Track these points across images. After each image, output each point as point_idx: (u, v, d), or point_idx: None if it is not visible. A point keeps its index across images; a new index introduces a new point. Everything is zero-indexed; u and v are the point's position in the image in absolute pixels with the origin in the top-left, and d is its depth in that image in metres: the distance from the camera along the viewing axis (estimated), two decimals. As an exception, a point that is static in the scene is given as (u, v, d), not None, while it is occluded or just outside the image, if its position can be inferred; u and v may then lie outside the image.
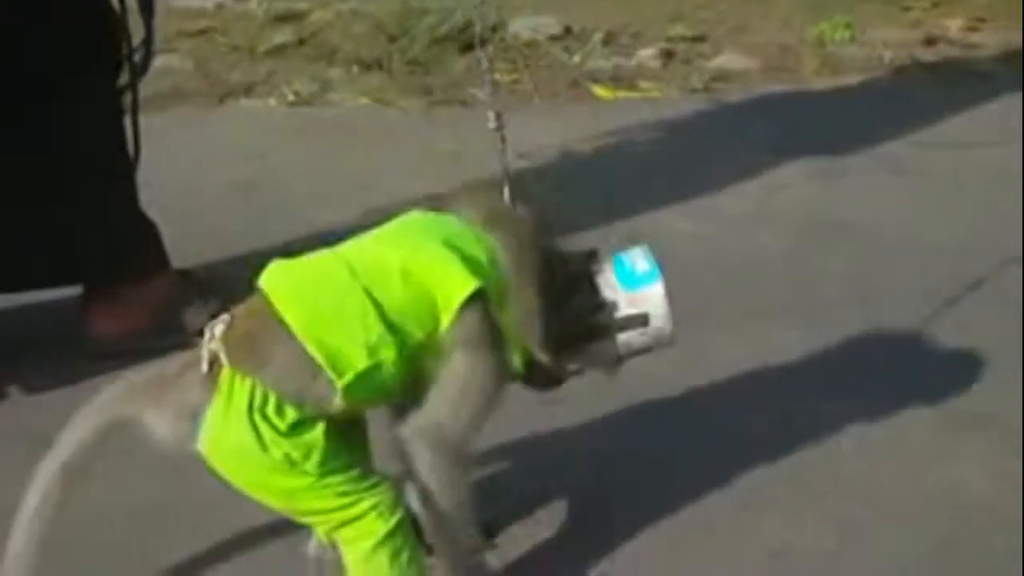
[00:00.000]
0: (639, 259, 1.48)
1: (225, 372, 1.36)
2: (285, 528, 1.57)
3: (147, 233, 2.15)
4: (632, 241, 1.54)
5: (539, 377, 1.49)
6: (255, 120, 3.25)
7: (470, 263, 1.38)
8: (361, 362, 1.36)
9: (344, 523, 1.39)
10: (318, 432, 1.36)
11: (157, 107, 2.26)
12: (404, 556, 1.41)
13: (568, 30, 4.07)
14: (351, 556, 1.41)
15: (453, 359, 1.38)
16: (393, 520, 1.40)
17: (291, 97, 3.41)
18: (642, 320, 1.46)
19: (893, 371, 2.05)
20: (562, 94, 3.55)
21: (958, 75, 3.83)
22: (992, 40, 4.25)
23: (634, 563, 1.63)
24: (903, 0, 4.57)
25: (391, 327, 1.36)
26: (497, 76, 3.54)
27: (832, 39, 4.10)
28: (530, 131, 3.00)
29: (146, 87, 2.22)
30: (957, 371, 2.04)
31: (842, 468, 1.81)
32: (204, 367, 1.37)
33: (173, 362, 1.41)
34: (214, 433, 1.35)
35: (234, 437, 1.35)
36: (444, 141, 3.05)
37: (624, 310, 1.46)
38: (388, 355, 1.36)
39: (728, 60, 3.89)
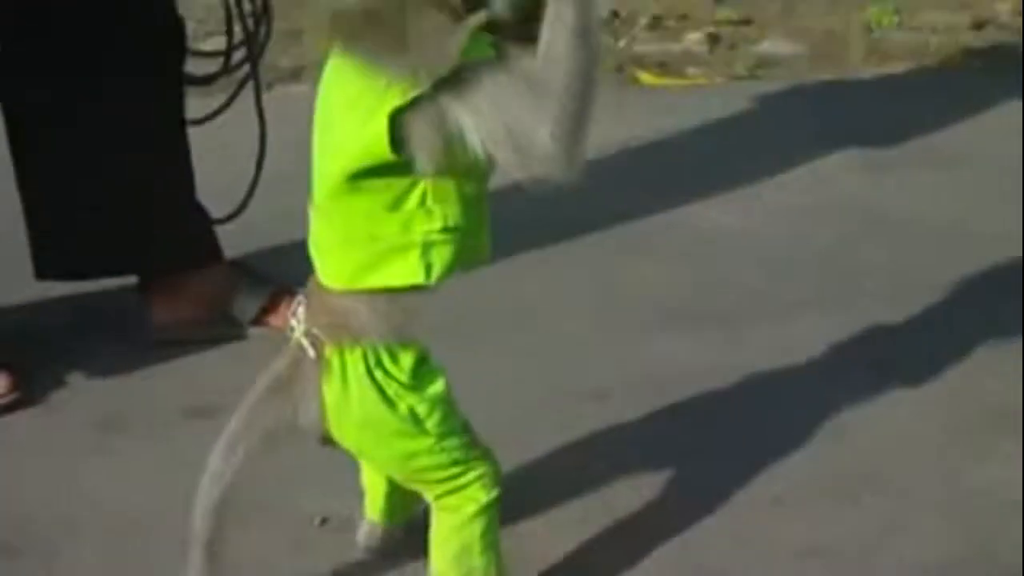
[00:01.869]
0: None
1: (330, 351, 1.40)
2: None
3: (203, 224, 2.20)
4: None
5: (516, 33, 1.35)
6: (301, 109, 3.28)
7: (364, 107, 1.32)
8: (413, 253, 1.37)
9: (451, 491, 1.46)
10: (439, 384, 1.42)
11: (205, 92, 2.30)
12: (493, 532, 1.48)
13: (615, 14, 4.08)
14: (449, 522, 1.48)
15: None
16: (493, 494, 1.47)
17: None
18: None
19: (934, 367, 2.07)
20: (607, 80, 3.57)
21: (1006, 61, 3.82)
22: (1043, 24, 4.23)
23: (662, 557, 1.66)
24: (952, -19, 4.56)
25: (396, 205, 1.35)
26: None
27: (879, 24, 4.09)
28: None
29: (198, 69, 2.26)
30: (998, 366, 2.06)
31: (879, 464, 1.84)
32: (311, 352, 1.41)
33: (278, 364, 1.45)
34: (337, 408, 1.41)
35: (358, 405, 1.40)
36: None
37: None
38: (421, 220, 1.36)
39: (774, 45, 3.88)
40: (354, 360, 1.40)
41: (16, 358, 2.03)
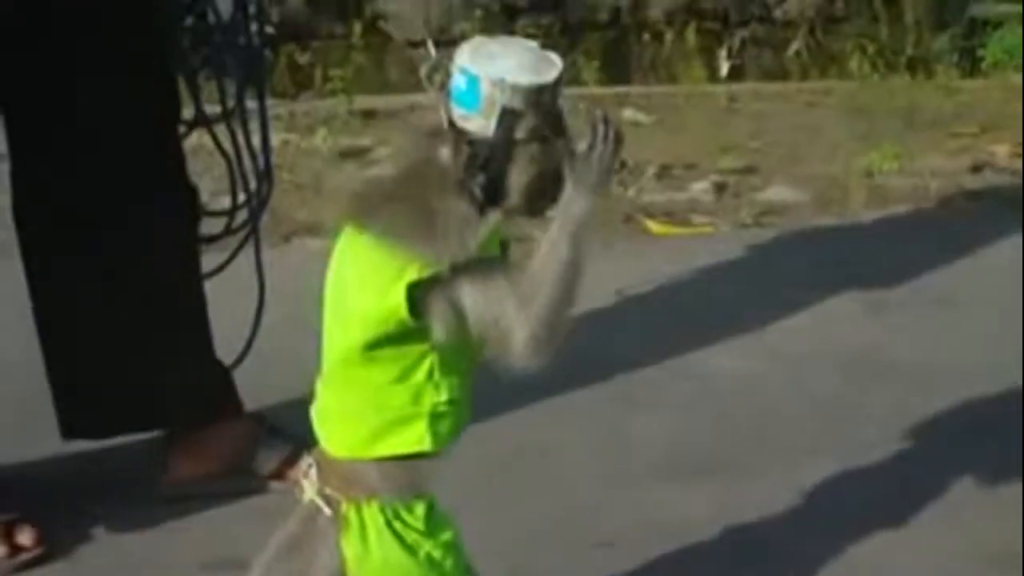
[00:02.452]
0: (457, 78, 1.40)
1: (347, 507, 1.47)
2: None
3: (223, 378, 2.27)
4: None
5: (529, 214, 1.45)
6: (319, 262, 3.39)
7: (381, 279, 1.40)
8: (421, 423, 1.45)
9: None
10: (450, 530, 1.49)
11: (222, 245, 2.40)
12: None
13: (623, 164, 4.20)
14: None
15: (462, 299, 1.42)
16: None
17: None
18: (512, 116, 1.39)
19: (935, 509, 2.11)
20: (618, 230, 3.67)
21: (1004, 203, 3.91)
22: (1041, 165, 4.33)
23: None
24: (951, 126, 4.68)
25: (405, 378, 1.44)
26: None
27: (880, 169, 4.20)
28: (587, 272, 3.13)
29: (214, 226, 2.36)
30: (999, 508, 2.10)
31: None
32: (327, 511, 1.48)
33: (291, 523, 1.52)
34: (358, 562, 1.47)
35: (379, 555, 1.46)
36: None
37: (492, 125, 1.39)
38: (430, 393, 1.45)
39: (777, 193, 4.00)
40: (372, 514, 1.47)
41: (42, 513, 2.08)
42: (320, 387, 1.53)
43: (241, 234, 2.39)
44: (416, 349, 1.44)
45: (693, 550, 2.01)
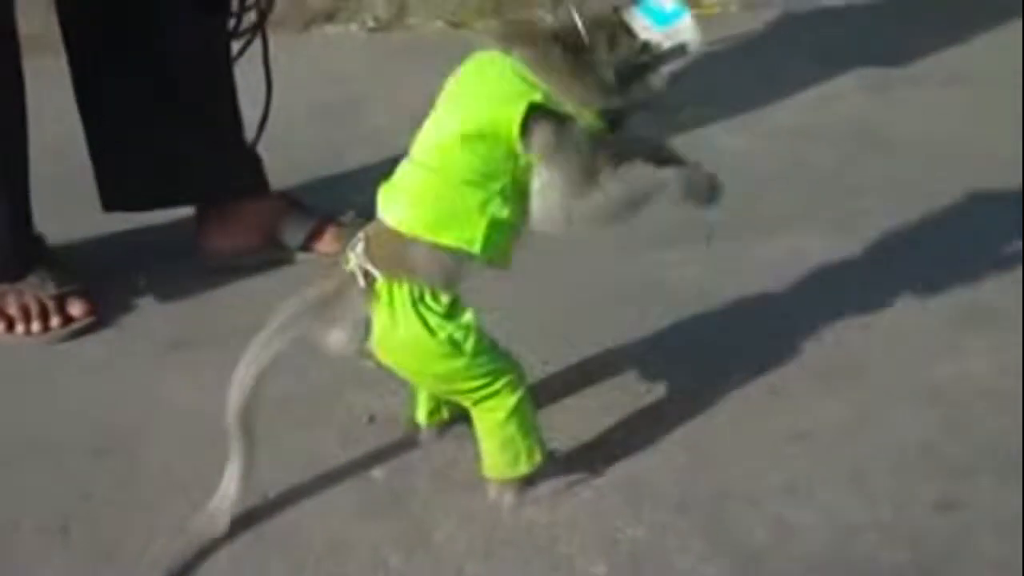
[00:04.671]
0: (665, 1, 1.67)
1: (381, 283, 1.64)
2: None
3: (252, 157, 2.40)
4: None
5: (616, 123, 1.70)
6: (337, 47, 3.49)
7: (508, 92, 1.61)
8: (480, 227, 1.63)
9: (485, 397, 1.69)
10: (470, 314, 1.66)
11: (242, 35, 2.48)
12: (529, 419, 1.73)
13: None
14: (488, 421, 1.72)
15: (543, 165, 1.64)
16: (520, 393, 1.70)
17: (371, 23, 3.63)
18: (681, 50, 1.66)
19: (918, 271, 2.25)
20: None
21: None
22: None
23: (666, 447, 1.88)
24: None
25: (483, 183, 1.62)
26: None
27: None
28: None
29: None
30: (977, 268, 2.24)
31: (862, 358, 2.05)
32: (361, 282, 1.64)
33: (328, 283, 1.68)
34: (384, 333, 1.65)
35: (403, 331, 1.63)
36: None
37: (665, 44, 1.65)
38: (496, 206, 1.63)
39: (787, -30, 4.00)
40: (401, 294, 1.64)
41: (90, 286, 2.26)
42: (405, 166, 1.68)
43: (254, 27, 2.45)
44: (503, 162, 1.61)
45: (690, 310, 2.18)
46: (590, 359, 2.06)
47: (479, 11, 3.67)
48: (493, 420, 1.72)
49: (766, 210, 2.49)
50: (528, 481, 1.76)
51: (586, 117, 1.62)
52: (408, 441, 1.89)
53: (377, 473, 1.85)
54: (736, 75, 3.13)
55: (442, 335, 1.64)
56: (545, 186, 1.63)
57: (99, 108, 2.30)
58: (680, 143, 2.68)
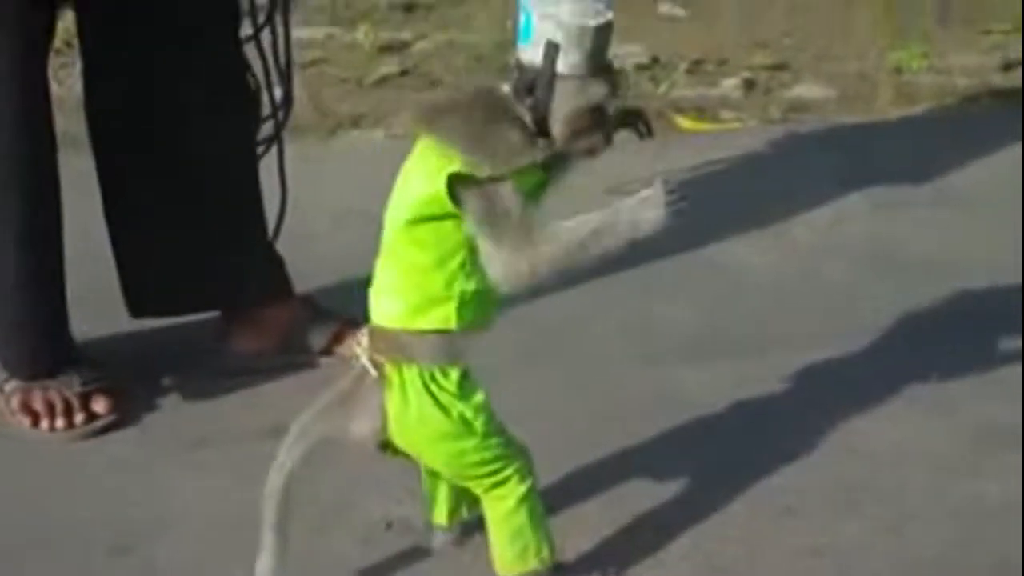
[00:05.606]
0: (520, 15, 1.64)
1: (390, 369, 1.68)
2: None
3: (277, 262, 2.44)
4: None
5: (575, 150, 1.68)
6: (362, 153, 3.56)
7: (432, 169, 1.63)
8: (451, 306, 1.67)
9: (496, 483, 1.72)
10: (481, 393, 1.70)
11: (261, 142, 2.54)
12: (538, 511, 1.76)
13: (655, 59, 4.30)
14: (499, 510, 1.75)
15: (479, 232, 1.65)
16: (529, 482, 1.74)
17: (397, 130, 3.71)
18: (554, 49, 1.59)
19: (931, 389, 2.28)
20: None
21: (1031, 102, 3.98)
22: (1072, 63, 4.37)
23: (676, 561, 1.89)
24: (984, 22, 4.71)
25: (442, 263, 1.66)
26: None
27: (909, 67, 4.27)
28: (614, 164, 3.26)
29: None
30: (990, 389, 2.27)
31: (877, 476, 2.06)
32: (373, 372, 1.69)
33: (343, 382, 1.74)
34: (398, 415, 1.69)
35: (415, 410, 1.68)
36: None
37: (536, 57, 1.61)
38: (460, 282, 1.67)
39: (806, 90, 4.09)
40: (411, 376, 1.69)
41: (114, 383, 2.28)
42: (377, 266, 1.74)
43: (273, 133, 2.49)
44: (453, 239, 1.65)
45: (706, 423, 2.20)
46: (601, 467, 2.08)
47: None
48: (503, 508, 1.75)
49: (782, 325, 2.53)
50: None
51: (514, 175, 1.62)
52: (424, 548, 1.90)
53: (394, 579, 1.86)
54: (754, 191, 3.17)
55: (454, 412, 1.68)
56: (489, 252, 1.65)
57: (125, 211, 2.34)
58: (701, 258, 2.81)
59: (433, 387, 1.69)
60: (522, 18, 1.61)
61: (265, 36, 2.39)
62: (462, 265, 1.67)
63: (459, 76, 4.03)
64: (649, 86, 4.07)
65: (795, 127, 3.71)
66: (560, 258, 1.64)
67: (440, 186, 1.62)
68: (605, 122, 1.65)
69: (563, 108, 1.62)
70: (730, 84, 4.11)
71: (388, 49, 4.36)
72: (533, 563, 1.76)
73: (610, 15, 1.61)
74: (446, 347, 1.69)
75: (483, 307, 1.71)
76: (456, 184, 1.63)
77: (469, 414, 1.70)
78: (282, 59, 2.41)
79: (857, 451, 2.12)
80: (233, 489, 2.03)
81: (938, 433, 2.17)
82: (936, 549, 1.89)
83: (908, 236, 2.94)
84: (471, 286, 1.68)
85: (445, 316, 1.68)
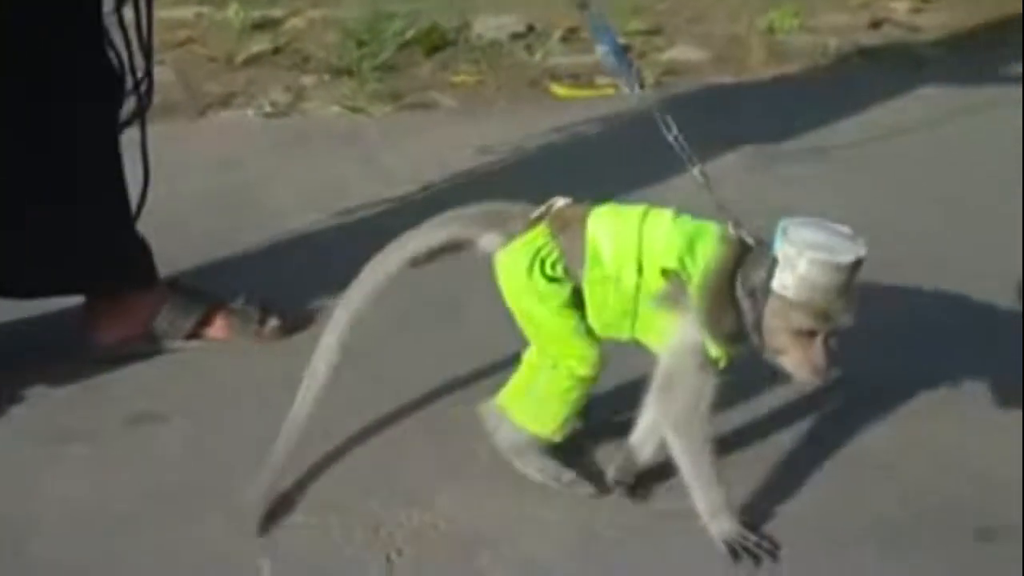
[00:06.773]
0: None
1: (540, 226, 1.86)
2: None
3: (142, 247, 2.37)
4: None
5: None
6: (233, 132, 3.49)
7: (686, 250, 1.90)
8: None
9: (558, 355, 1.86)
10: (567, 290, 1.85)
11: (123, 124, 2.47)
12: (578, 399, 1.89)
13: (531, 28, 4.29)
14: (546, 376, 1.88)
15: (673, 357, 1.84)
16: (587, 372, 1.86)
17: (267, 108, 3.64)
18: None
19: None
20: (523, 94, 3.78)
21: (899, 59, 4.05)
22: (936, 22, 4.47)
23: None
24: (852, -20, 4.78)
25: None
26: (463, 78, 3.82)
27: (781, 27, 4.32)
28: (490, 128, 3.28)
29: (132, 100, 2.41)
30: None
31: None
32: (535, 213, 1.86)
33: (517, 206, 1.90)
34: (507, 254, 1.86)
35: (514, 261, 1.86)
36: (412, 145, 3.29)
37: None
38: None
39: (680, 52, 4.12)
40: (540, 239, 1.85)
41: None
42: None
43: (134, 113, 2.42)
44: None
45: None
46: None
47: (373, 95, 3.71)
48: (553, 378, 1.86)
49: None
50: None
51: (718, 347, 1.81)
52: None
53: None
54: (626, 155, 3.17)
55: (536, 283, 1.83)
56: (662, 385, 1.85)
57: None
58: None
59: (535, 257, 1.83)
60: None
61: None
62: None
63: (330, 53, 3.98)
64: (524, 54, 4.06)
65: (669, 89, 3.72)
66: (694, 449, 1.82)
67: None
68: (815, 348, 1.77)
69: (769, 325, 1.78)
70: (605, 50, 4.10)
71: (260, 27, 4.30)
72: (536, 427, 1.89)
73: (850, 258, 1.80)
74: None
75: None
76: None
77: (542, 288, 1.83)
78: (144, 37, 2.33)
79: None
80: (100, 480, 1.97)
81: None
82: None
83: (782, 194, 2.97)
84: None
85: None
